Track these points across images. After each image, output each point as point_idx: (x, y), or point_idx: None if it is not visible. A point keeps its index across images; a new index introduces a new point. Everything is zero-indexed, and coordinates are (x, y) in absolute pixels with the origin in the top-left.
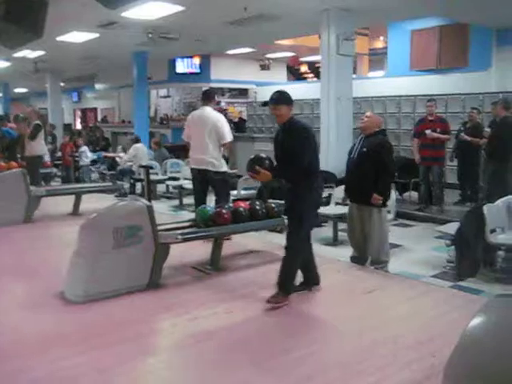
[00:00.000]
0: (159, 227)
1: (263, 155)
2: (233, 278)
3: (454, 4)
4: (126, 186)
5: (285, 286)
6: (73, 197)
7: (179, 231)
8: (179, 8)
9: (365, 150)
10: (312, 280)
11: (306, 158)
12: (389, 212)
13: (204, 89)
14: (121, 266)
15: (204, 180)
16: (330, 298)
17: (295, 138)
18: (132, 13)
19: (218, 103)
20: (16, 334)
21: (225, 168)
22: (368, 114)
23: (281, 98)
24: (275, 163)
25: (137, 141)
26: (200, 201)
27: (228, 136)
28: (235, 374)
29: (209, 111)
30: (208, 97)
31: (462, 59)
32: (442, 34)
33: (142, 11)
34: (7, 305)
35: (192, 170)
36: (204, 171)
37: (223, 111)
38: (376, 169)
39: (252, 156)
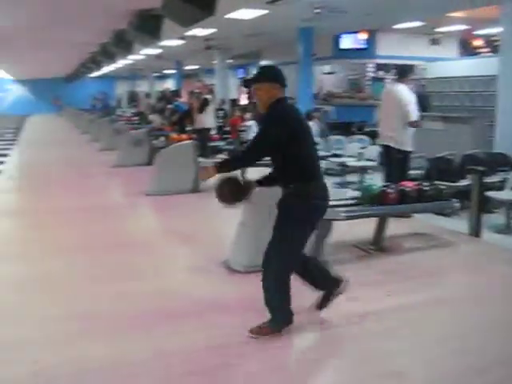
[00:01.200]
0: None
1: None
2: (395, 260)
3: None
4: None
5: (272, 317)
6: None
7: (343, 208)
8: None
9: None
10: (330, 287)
11: (259, 145)
12: None
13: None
14: None
15: (388, 156)
16: (494, 294)
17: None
18: None
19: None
20: (182, 297)
21: (408, 147)
22: None
23: (261, 73)
24: None
25: (309, 118)
26: (385, 176)
27: (412, 115)
28: (390, 362)
29: (399, 88)
30: (401, 74)
31: None
32: None
33: None
34: (174, 269)
35: (380, 145)
36: (387, 147)
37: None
38: None
39: None
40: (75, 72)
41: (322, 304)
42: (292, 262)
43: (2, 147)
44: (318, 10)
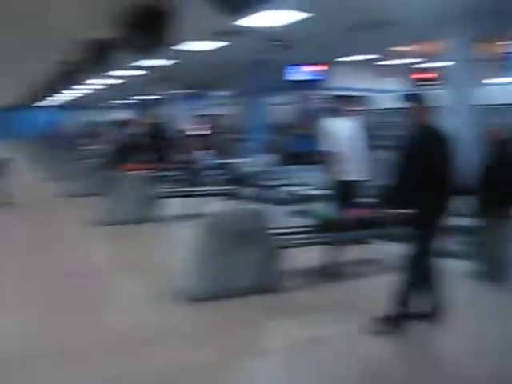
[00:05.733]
0: (277, 231)
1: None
2: (349, 287)
3: None
4: (246, 191)
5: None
6: (193, 199)
7: (297, 235)
8: (304, 15)
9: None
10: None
11: None
12: None
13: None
14: (237, 267)
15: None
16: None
17: None
18: (254, 21)
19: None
20: (135, 327)
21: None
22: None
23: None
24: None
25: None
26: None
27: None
28: None
29: (331, 121)
30: (339, 104)
31: None
32: None
33: (265, 19)
34: (126, 299)
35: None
36: None
37: None
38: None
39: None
40: (27, 100)
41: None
42: None
43: None
44: (273, 43)
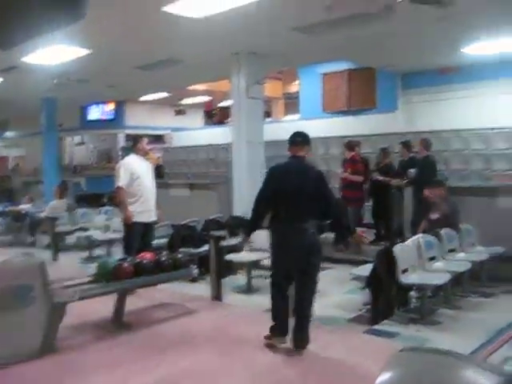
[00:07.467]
0: (59, 284)
1: None
2: (137, 336)
3: (358, 50)
4: (30, 239)
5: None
6: None
7: (78, 288)
8: (85, 51)
9: None
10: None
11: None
12: None
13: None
14: (8, 331)
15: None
16: (239, 348)
17: None
18: (35, 57)
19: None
20: None
21: (136, 218)
22: None
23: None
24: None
25: (61, 196)
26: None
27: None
28: None
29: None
30: (133, 144)
31: (371, 101)
32: (350, 77)
33: (45, 55)
34: None
35: None
36: None
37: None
38: None
39: None
40: None
41: None
42: None
43: None
44: (56, 81)
